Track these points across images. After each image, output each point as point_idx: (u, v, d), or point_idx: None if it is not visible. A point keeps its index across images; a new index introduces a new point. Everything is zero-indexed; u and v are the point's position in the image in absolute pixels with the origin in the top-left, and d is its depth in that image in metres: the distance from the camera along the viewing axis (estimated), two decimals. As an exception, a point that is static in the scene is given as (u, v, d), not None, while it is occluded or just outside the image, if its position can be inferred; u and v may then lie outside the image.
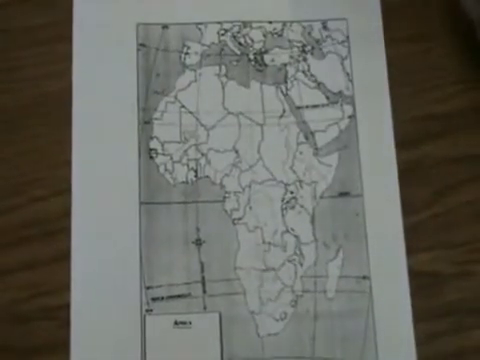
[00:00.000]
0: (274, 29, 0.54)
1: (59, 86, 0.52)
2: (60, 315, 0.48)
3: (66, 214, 0.50)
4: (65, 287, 0.48)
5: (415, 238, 0.50)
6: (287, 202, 0.51)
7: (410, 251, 0.50)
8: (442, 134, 0.53)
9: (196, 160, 0.51)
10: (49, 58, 0.53)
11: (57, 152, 0.51)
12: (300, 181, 0.51)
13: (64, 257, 0.49)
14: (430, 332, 0.49)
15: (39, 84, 0.52)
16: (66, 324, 0.48)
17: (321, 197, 0.51)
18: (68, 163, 0.50)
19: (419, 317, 0.49)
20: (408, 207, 0.51)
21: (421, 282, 0.49)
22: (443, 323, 0.49)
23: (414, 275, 0.49)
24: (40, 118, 0.52)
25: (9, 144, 0.51)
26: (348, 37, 0.54)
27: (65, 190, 0.50)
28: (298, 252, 0.50)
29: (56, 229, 0.50)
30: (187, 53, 0.53)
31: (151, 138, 0.51)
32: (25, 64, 0.53)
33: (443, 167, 0.52)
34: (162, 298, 0.49)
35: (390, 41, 0.54)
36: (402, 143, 0.52)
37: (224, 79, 0.53)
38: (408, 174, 0.51)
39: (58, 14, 0.53)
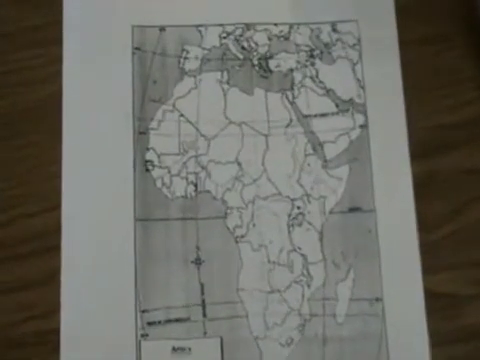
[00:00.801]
0: (280, 32, 0.53)
1: (49, 92, 0.51)
2: (51, 339, 0.47)
3: (57, 231, 0.49)
4: (56, 310, 0.47)
5: (432, 257, 0.49)
6: (294, 218, 0.49)
7: (427, 271, 0.49)
8: (461, 144, 0.51)
9: (196, 173, 0.50)
10: (41, 62, 0.52)
11: (49, 164, 0.50)
12: (308, 195, 0.50)
13: (55, 277, 0.48)
14: (448, 357, 0.48)
15: (30, 90, 0.51)
16: (57, 349, 0.47)
17: (330, 213, 0.50)
18: (60, 176, 0.49)
19: (436, 341, 0.48)
20: (424, 223, 0.50)
21: (438, 304, 0.48)
22: (462, 348, 0.48)
23: (431, 296, 0.48)
24: (31, 126, 0.51)
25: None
26: (359, 40, 0.53)
27: (57, 205, 0.49)
28: (305, 272, 0.49)
29: (48, 247, 0.48)
30: (186, 58, 0.52)
31: (147, 149, 0.50)
32: (14, 68, 0.52)
33: (462, 180, 0.51)
34: (159, 322, 0.47)
35: (404, 44, 0.52)
36: (418, 154, 0.51)
37: (226, 86, 0.51)
38: (424, 188, 0.50)
39: (51, 15, 0.52)
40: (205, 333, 0.47)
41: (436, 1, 0.54)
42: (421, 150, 0.51)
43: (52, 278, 0.47)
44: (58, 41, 0.51)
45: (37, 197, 0.49)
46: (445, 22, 0.53)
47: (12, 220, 0.49)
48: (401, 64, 0.52)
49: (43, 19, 0.52)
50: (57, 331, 0.47)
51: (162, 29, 0.52)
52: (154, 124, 0.50)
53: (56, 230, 0.48)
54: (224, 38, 0.52)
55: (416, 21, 0.53)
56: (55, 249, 0.48)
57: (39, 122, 0.50)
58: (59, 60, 0.51)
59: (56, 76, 0.51)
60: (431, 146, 0.51)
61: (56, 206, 0.49)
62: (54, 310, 0.47)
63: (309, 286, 0.48)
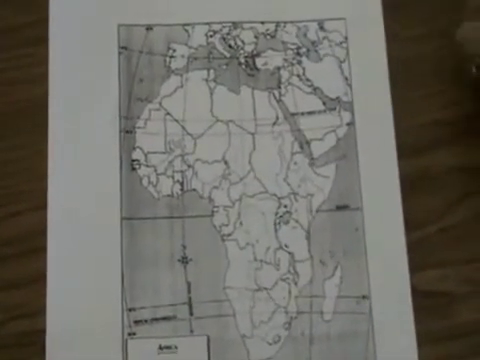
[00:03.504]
0: (267, 30, 0.52)
1: (36, 92, 0.50)
2: (36, 340, 0.46)
3: (44, 231, 0.48)
4: (43, 310, 0.47)
5: (420, 254, 0.49)
6: (281, 216, 0.49)
7: (415, 269, 0.48)
8: (448, 142, 0.51)
9: (182, 172, 0.49)
10: (25, 62, 0.51)
11: (35, 164, 0.49)
12: (295, 194, 0.49)
13: (42, 278, 0.47)
14: (436, 357, 0.47)
15: (15, 90, 0.51)
16: (43, 350, 0.46)
17: (317, 211, 0.49)
18: (46, 176, 0.49)
19: (424, 340, 0.47)
20: (412, 221, 0.49)
21: (427, 302, 0.48)
22: (451, 347, 0.48)
23: (419, 294, 0.48)
24: (17, 126, 0.50)
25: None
26: (346, 38, 0.52)
27: (43, 205, 0.48)
28: (292, 270, 0.48)
29: (34, 247, 0.48)
30: (173, 56, 0.51)
31: (134, 148, 0.50)
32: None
33: (450, 178, 0.51)
34: (145, 321, 0.47)
35: (392, 41, 0.52)
36: (405, 152, 0.50)
37: (212, 84, 0.51)
38: (412, 185, 0.50)
39: (36, 14, 0.52)
40: (192, 331, 0.47)
41: (423, -1, 0.53)
42: (408, 148, 0.50)
43: (38, 278, 0.47)
44: (44, 40, 0.51)
45: (23, 197, 0.49)
46: (433, 20, 0.53)
47: (-2, 220, 0.48)
48: (391, 62, 0.52)
49: (29, 18, 0.52)
50: (43, 332, 0.46)
51: (149, 28, 0.51)
52: (140, 123, 0.50)
53: (42, 230, 0.48)
54: (211, 36, 0.52)
55: (403, 19, 0.52)
56: (41, 249, 0.47)
57: (25, 122, 0.50)
58: (45, 59, 0.50)
59: (42, 75, 0.50)
60: (418, 144, 0.51)
61: (42, 206, 0.48)
62: (40, 310, 0.46)
63: (296, 284, 0.48)
